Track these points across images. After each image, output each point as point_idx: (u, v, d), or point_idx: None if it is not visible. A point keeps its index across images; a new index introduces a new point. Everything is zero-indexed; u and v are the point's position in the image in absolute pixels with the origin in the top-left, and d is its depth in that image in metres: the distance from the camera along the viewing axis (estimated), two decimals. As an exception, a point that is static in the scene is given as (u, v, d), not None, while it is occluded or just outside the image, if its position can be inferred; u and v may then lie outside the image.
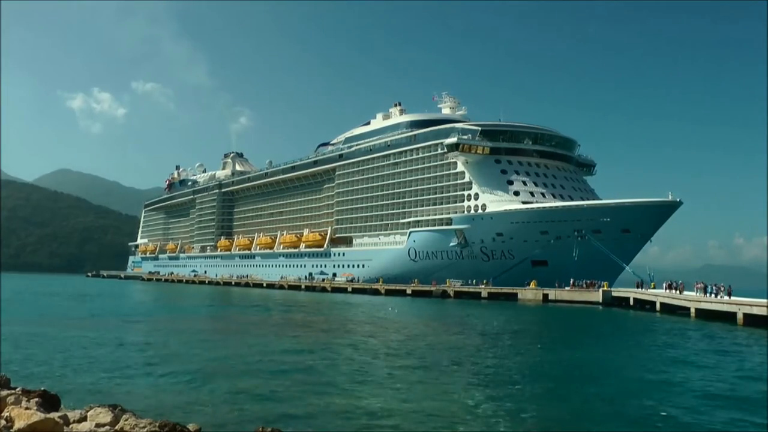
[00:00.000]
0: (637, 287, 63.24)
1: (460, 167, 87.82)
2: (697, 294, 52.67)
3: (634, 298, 60.38)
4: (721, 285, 51.68)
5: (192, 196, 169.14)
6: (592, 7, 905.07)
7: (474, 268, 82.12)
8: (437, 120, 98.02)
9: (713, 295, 50.47)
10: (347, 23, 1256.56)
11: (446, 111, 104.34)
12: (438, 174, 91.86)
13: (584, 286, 66.93)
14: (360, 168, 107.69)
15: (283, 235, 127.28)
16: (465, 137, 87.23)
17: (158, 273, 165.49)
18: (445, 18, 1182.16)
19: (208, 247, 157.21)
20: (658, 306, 54.63)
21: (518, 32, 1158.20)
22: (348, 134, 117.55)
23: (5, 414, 10.02)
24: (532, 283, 71.73)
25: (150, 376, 19.90)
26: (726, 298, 48.39)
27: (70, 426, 10.22)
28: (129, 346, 27.54)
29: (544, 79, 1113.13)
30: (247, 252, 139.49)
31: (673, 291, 56.26)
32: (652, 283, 65.50)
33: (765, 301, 42.64)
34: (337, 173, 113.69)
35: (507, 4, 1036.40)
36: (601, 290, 64.11)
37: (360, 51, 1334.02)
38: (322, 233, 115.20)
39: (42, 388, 12.60)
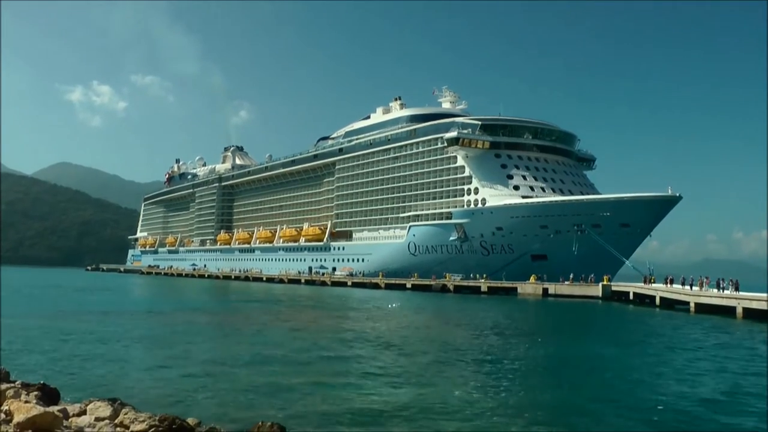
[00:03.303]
0: (645, 282, 62.77)
1: (460, 161, 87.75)
2: (704, 289, 52.27)
3: (634, 293, 60.39)
4: (730, 279, 51.42)
5: (192, 190, 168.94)
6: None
7: (474, 262, 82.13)
8: (437, 114, 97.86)
9: (723, 290, 50.13)
10: (347, 15, 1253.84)
11: (446, 105, 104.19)
12: (438, 168, 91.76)
13: (592, 280, 66.35)
14: (360, 162, 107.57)
15: (282, 229, 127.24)
16: (465, 131, 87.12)
17: (158, 267, 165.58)
18: (447, 9, 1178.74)
19: (208, 241, 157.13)
20: (657, 300, 54.65)
21: (522, 23, 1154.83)
22: (348, 128, 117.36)
23: (4, 407, 10.00)
24: (531, 278, 71.65)
25: (149, 370, 19.89)
26: (733, 292, 48.05)
27: (70, 420, 10.20)
28: (128, 339, 27.53)
29: (546, 70, 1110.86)
30: (246, 246, 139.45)
31: (688, 287, 55.16)
32: (652, 277, 65.32)
33: (764, 295, 42.70)
34: (337, 167, 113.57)
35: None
36: (600, 284, 64.10)
37: (360, 44, 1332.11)
38: (322, 227, 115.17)
39: (41, 382, 12.59)
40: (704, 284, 53.70)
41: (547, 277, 70.30)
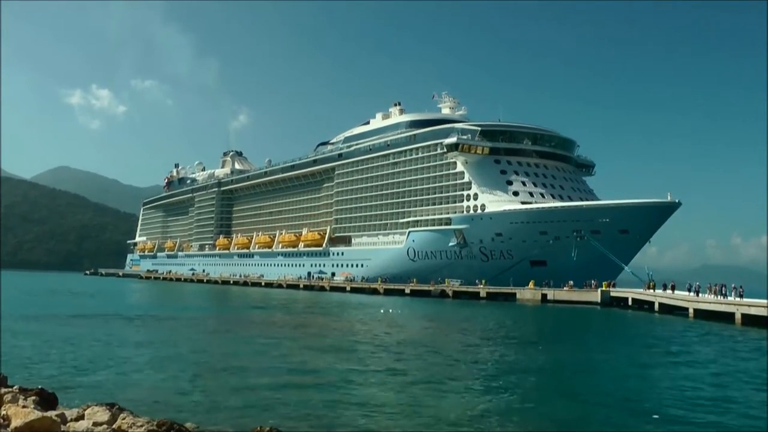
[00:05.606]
0: (648, 288, 62.52)
1: (460, 167, 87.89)
2: (715, 296, 52.06)
3: (633, 298, 60.36)
4: (733, 286, 51.35)
5: (191, 195, 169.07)
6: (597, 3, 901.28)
7: (473, 268, 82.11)
8: (437, 120, 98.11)
9: (725, 296, 50.02)
10: (346, 17, 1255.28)
11: (446, 111, 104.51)
12: (437, 174, 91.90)
13: (595, 286, 66.13)
14: (359, 167, 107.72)
15: (281, 234, 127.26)
16: (464, 137, 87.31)
17: (156, 271, 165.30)
18: (447, 11, 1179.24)
19: (207, 246, 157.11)
20: (656, 306, 54.65)
21: (520, 25, 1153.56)
22: (347, 133, 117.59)
23: (2, 412, 9.98)
24: (530, 283, 71.59)
25: (147, 375, 19.86)
26: (736, 298, 47.98)
27: (68, 424, 10.17)
28: (127, 344, 27.48)
29: (545, 73, 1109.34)
30: (245, 251, 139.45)
31: (694, 294, 54.80)
32: (651, 283, 65.21)
33: (763, 301, 42.79)
34: (336, 172, 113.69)
35: (511, 3, 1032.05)
36: (599, 290, 64.09)
37: (359, 47, 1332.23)
38: (321, 232, 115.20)
39: (39, 387, 12.56)
40: (715, 292, 53.22)
41: (552, 283, 70.06)
